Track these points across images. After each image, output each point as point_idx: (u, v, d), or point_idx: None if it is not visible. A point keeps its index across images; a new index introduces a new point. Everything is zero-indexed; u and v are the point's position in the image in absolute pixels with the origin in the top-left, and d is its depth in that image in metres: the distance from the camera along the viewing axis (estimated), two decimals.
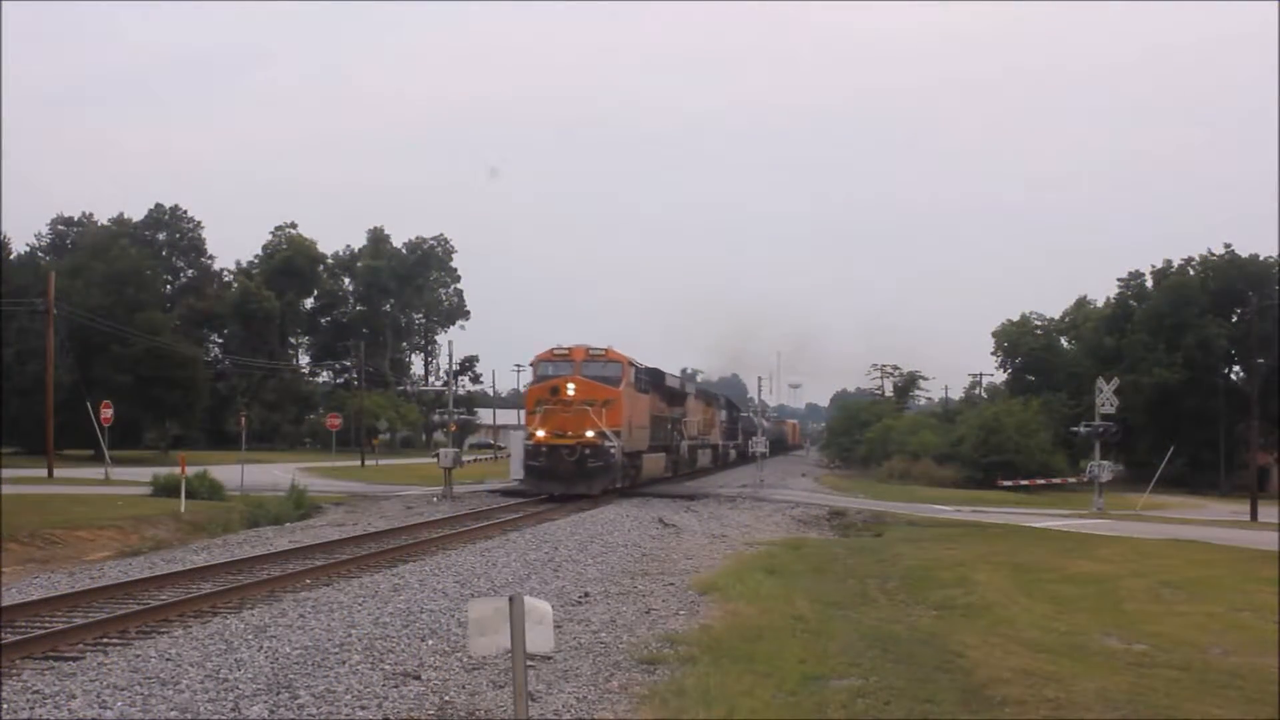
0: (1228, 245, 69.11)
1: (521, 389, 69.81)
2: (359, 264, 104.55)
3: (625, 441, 32.29)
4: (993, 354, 79.56)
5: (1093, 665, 10.29)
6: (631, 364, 33.84)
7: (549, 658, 9.59)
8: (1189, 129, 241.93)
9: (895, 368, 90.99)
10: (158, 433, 68.30)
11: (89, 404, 38.75)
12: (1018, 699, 8.82)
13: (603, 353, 33.05)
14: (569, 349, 33.04)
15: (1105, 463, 35.90)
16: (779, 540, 22.72)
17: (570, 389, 31.22)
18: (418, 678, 9.29)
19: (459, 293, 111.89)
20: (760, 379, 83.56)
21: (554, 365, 32.92)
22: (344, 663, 9.75)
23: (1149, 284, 70.52)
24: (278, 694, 8.59)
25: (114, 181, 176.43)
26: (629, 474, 34.26)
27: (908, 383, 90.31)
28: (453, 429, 63.54)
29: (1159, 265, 70.54)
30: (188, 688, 8.67)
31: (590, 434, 30.75)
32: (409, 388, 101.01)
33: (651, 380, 37.34)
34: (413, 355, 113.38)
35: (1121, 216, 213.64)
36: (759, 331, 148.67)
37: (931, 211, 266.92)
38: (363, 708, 8.31)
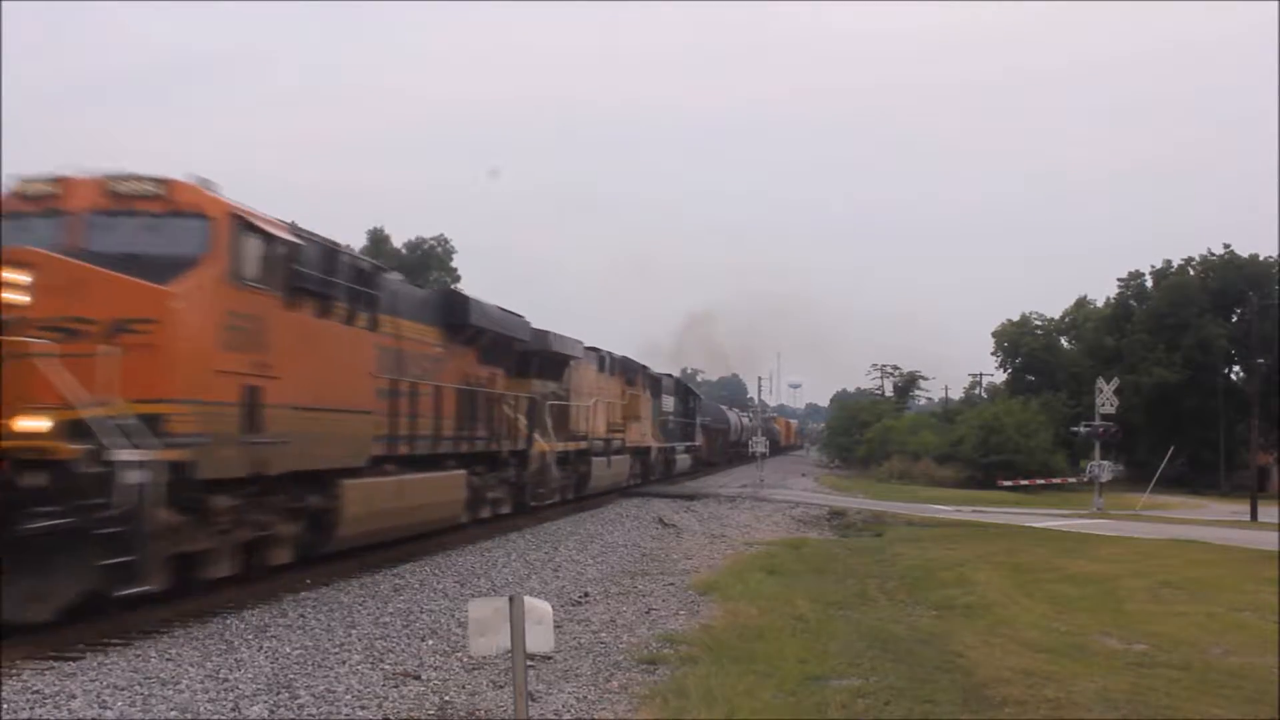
0: (1227, 245, 69.19)
1: None
2: None
3: (224, 434, 11.56)
4: (993, 354, 79.58)
5: (1093, 665, 10.30)
6: (250, 222, 12.24)
7: (549, 658, 9.58)
8: (1189, 129, 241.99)
9: (895, 368, 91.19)
10: None
11: None
12: (1018, 699, 8.82)
13: (156, 192, 11.76)
14: (59, 181, 12.01)
15: (1105, 463, 35.98)
16: (779, 540, 22.71)
17: (18, 288, 10.41)
18: (418, 678, 9.29)
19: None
20: (760, 379, 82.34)
21: (17, 226, 11.67)
22: (344, 663, 9.75)
23: (1149, 284, 70.50)
24: (278, 694, 8.59)
25: None
26: (254, 528, 12.72)
27: (908, 383, 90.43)
28: None
29: (1159, 265, 70.57)
30: (188, 688, 8.67)
31: (36, 424, 10.11)
32: None
33: (432, 306, 18.77)
34: None
35: (1121, 216, 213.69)
36: (763, 329, 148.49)
37: (931, 211, 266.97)
38: (363, 708, 8.31)
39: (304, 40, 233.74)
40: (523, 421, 22.85)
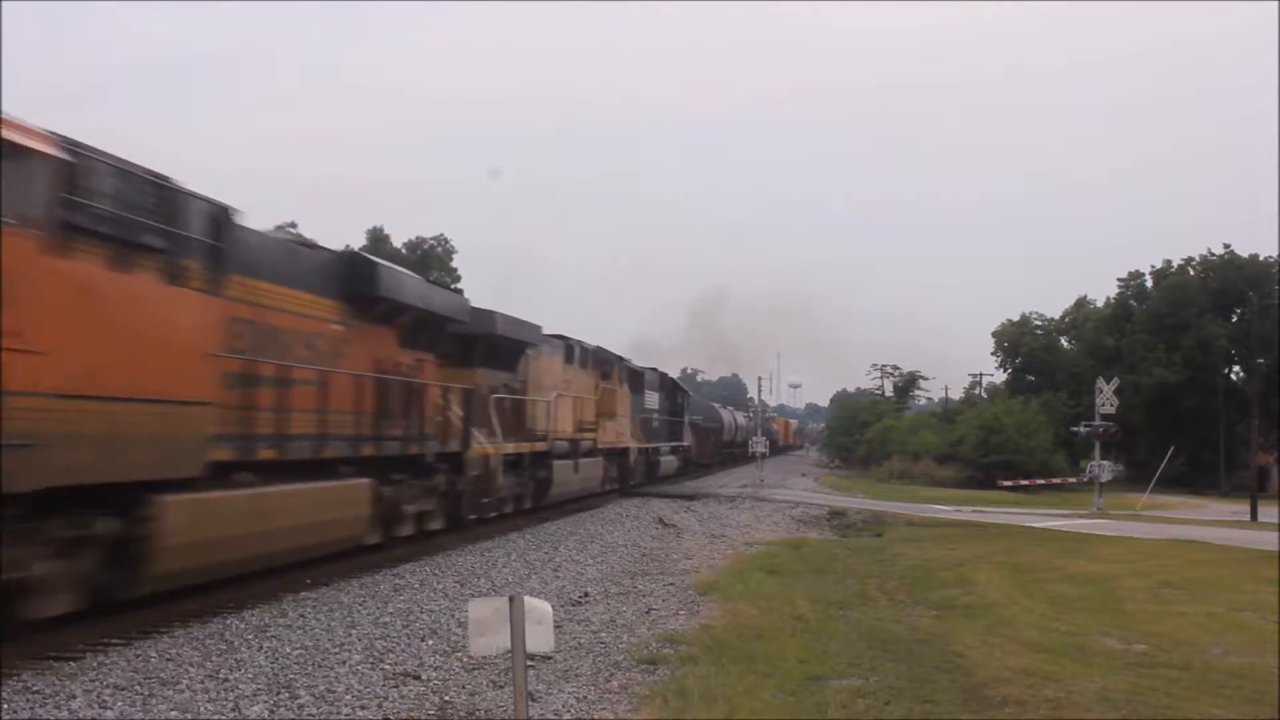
0: (1227, 245, 69.31)
1: None
2: None
3: None
4: (993, 354, 79.63)
5: (1093, 665, 10.30)
6: None
7: (549, 658, 9.59)
8: (1189, 129, 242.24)
9: (895, 368, 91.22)
10: None
11: None
12: (1018, 699, 8.82)
13: None
14: None
15: (1105, 463, 36.01)
16: (779, 540, 22.71)
17: None
18: (418, 678, 9.29)
19: (459, 292, 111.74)
20: (760, 379, 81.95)
21: None
22: (344, 663, 9.75)
23: (1149, 284, 70.57)
24: (278, 694, 8.60)
25: None
26: None
27: (908, 383, 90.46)
28: None
29: (1159, 265, 70.70)
30: (188, 688, 8.67)
31: None
32: None
33: (326, 273, 14.88)
34: None
35: (1121, 216, 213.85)
36: (763, 329, 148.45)
37: (931, 211, 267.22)
38: (363, 708, 8.31)
39: (304, 40, 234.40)
40: (458, 418, 18.82)
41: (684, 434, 46.82)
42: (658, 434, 40.51)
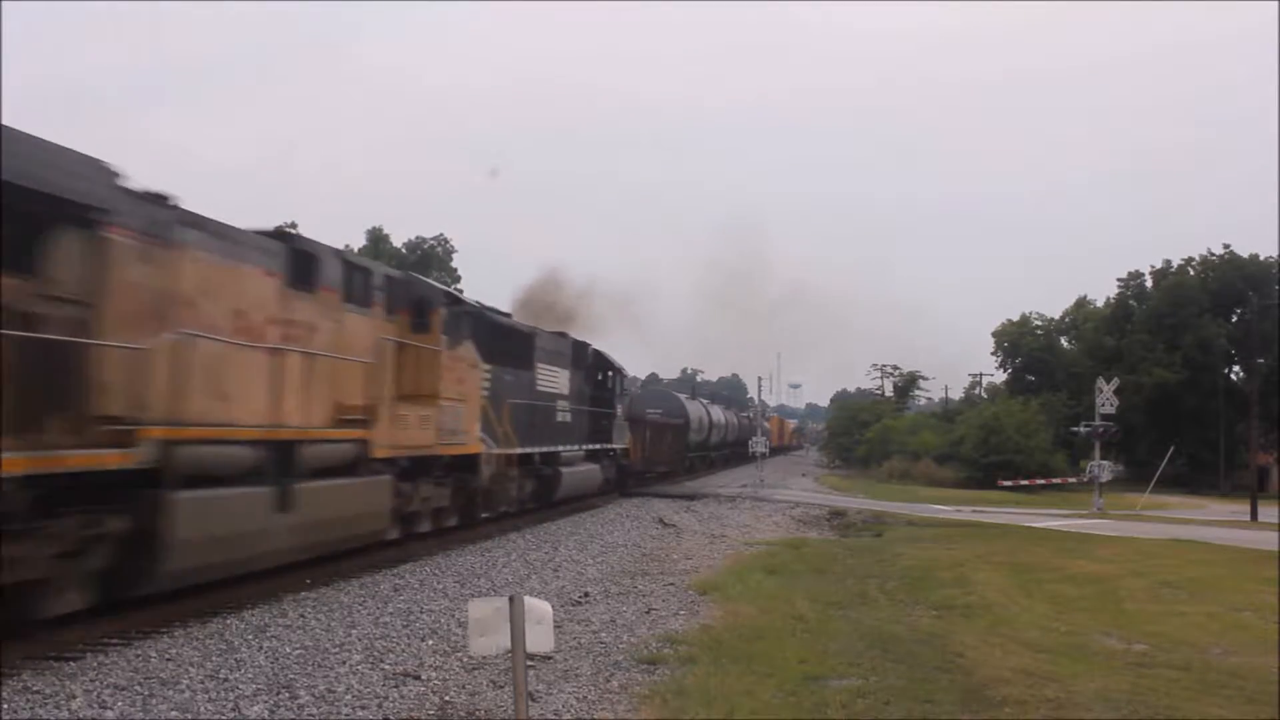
0: (1227, 245, 69.36)
1: None
2: None
3: None
4: (993, 354, 79.62)
5: (1093, 665, 10.30)
6: None
7: (549, 658, 9.59)
8: (1189, 129, 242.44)
9: (895, 368, 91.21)
10: None
11: None
12: (1018, 699, 8.82)
13: None
14: None
15: (1105, 463, 36.04)
16: (779, 540, 22.70)
17: None
18: (418, 678, 9.29)
19: (459, 292, 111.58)
20: (760, 379, 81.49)
21: None
22: (344, 663, 9.75)
23: (1149, 284, 70.59)
24: (278, 694, 8.59)
25: None
26: None
27: (908, 383, 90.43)
28: None
29: (1159, 265, 70.74)
30: (188, 688, 8.67)
31: None
32: None
33: None
34: None
35: (1121, 217, 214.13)
36: (763, 328, 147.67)
37: (932, 211, 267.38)
38: (363, 708, 8.31)
39: (305, 39, 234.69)
40: None
41: (614, 433, 31.97)
42: (562, 432, 26.23)
